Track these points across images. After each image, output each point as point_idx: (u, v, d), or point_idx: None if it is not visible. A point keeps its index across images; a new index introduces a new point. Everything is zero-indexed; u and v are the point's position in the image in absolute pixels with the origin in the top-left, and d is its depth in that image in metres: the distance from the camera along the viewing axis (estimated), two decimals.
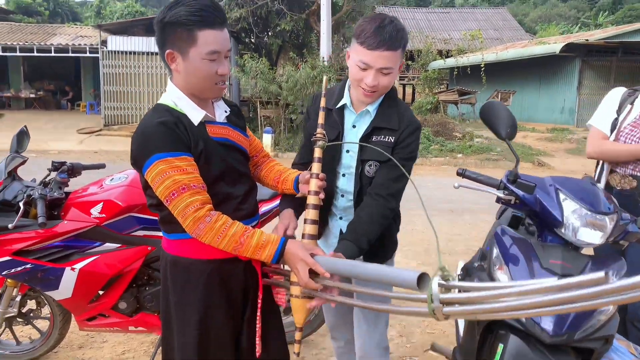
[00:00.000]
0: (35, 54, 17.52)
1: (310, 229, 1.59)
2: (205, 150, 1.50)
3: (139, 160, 1.47)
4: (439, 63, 20.18)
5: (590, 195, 1.63)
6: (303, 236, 1.60)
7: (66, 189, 2.54)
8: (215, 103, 1.64)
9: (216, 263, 1.58)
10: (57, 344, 2.82)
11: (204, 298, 1.58)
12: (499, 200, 1.76)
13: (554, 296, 0.93)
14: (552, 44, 16.73)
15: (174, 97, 1.54)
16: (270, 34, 19.65)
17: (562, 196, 1.62)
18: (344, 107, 1.81)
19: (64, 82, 21.93)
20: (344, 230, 1.83)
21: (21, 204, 2.31)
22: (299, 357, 1.70)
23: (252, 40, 19.61)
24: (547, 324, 1.47)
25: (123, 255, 2.40)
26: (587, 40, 16.15)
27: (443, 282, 1.16)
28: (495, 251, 1.68)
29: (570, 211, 1.60)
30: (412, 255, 4.88)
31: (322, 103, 1.70)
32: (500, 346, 1.56)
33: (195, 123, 1.52)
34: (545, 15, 45.34)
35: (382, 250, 1.91)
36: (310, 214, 1.60)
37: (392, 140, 1.73)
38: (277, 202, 2.68)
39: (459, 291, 1.17)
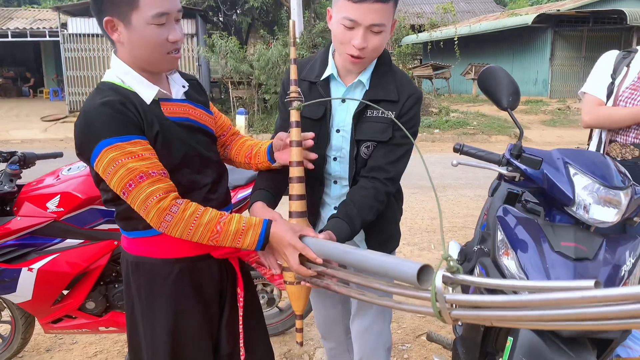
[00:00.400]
0: None
1: (297, 205, 1.37)
2: (162, 132, 1.28)
3: (84, 150, 1.24)
4: (412, 38, 19.96)
5: (603, 168, 1.47)
6: (290, 214, 1.38)
7: (18, 182, 2.29)
8: (170, 77, 1.41)
9: (185, 262, 1.37)
10: (22, 349, 2.59)
11: (174, 303, 1.37)
12: (501, 177, 1.59)
13: (592, 310, 0.75)
14: (524, 16, 16.66)
15: (120, 73, 1.31)
16: (238, 11, 19.07)
17: (572, 171, 1.47)
18: (329, 78, 1.56)
19: (24, 68, 21.03)
20: None
21: None
22: (302, 347, 1.50)
23: (221, 19, 19.00)
24: None
25: (87, 252, 2.19)
26: (558, 10, 16.12)
27: (449, 275, 0.98)
28: (500, 234, 1.52)
29: (582, 187, 1.44)
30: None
31: (292, 54, 1.42)
32: (510, 340, 1.41)
33: (148, 102, 1.29)
34: None
35: (389, 237, 1.71)
36: (295, 188, 1.37)
37: (392, 116, 1.48)
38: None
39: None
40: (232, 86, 13.46)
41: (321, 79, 1.54)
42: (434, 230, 4.89)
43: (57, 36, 15.02)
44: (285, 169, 1.46)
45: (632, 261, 1.41)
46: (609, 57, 2.16)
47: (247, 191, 2.47)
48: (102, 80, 1.34)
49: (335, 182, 1.61)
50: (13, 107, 16.38)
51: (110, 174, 1.21)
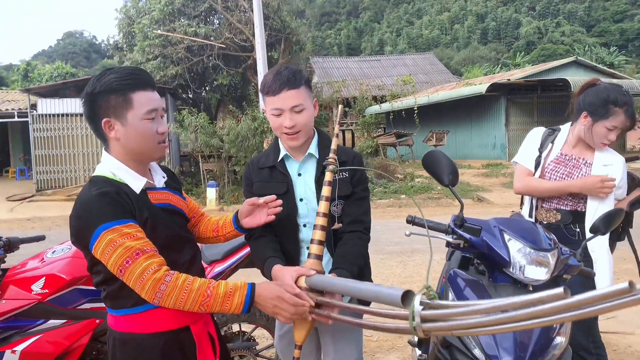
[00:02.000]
0: None
1: (317, 249, 1.64)
2: (150, 217, 1.47)
3: (83, 235, 1.40)
4: (375, 108, 20.95)
5: (532, 233, 1.73)
6: (309, 255, 1.64)
7: (3, 266, 2.39)
8: (152, 170, 1.63)
9: (169, 335, 1.51)
10: None
11: None
12: (448, 244, 1.82)
13: (520, 312, 0.97)
14: (478, 85, 17.83)
15: (112, 168, 1.51)
16: (207, 88, 19.76)
17: (506, 236, 1.71)
18: (284, 159, 1.87)
19: None
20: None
21: None
22: None
23: (190, 95, 19.61)
24: None
25: (69, 331, 2.27)
26: (509, 80, 17.34)
27: (425, 300, 1.19)
28: (451, 295, 1.73)
29: (516, 250, 1.69)
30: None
31: (336, 130, 1.84)
32: None
33: (137, 191, 1.49)
34: (468, 58, 48.56)
35: (364, 275, 1.93)
36: (318, 234, 1.64)
37: (347, 175, 1.79)
38: (230, 261, 2.65)
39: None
40: (202, 159, 13.72)
41: (278, 160, 1.85)
42: None
43: (26, 116, 15.17)
44: (272, 236, 1.79)
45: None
46: (537, 133, 2.51)
47: (224, 265, 2.62)
48: (94, 174, 1.54)
49: (307, 247, 1.79)
50: None
51: (109, 254, 1.36)
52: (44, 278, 2.26)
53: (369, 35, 57.05)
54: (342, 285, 1.44)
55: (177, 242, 1.57)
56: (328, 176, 1.70)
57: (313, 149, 1.84)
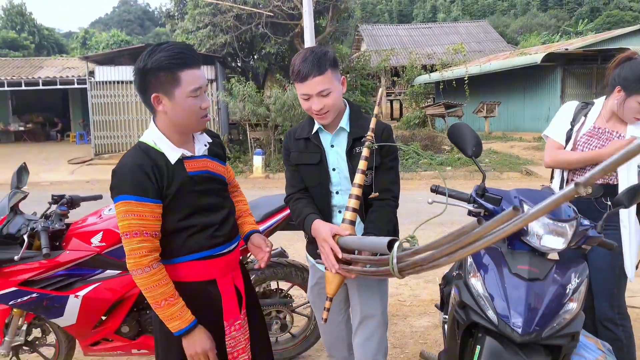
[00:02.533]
0: (23, 87, 17.65)
1: (351, 215, 1.82)
2: (180, 188, 1.64)
3: (112, 193, 1.63)
4: (424, 78, 20.55)
5: None
6: (343, 221, 1.83)
7: (66, 221, 2.67)
8: (195, 138, 1.76)
9: (198, 285, 1.71)
10: None
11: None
12: (470, 213, 1.91)
13: (468, 236, 1.06)
14: (533, 55, 17.12)
15: (155, 137, 1.67)
16: (255, 57, 19.94)
17: (525, 207, 1.78)
18: (318, 132, 2.00)
19: (52, 114, 22.06)
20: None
21: (25, 237, 2.44)
22: (325, 323, 1.91)
23: (239, 64, 19.87)
24: (517, 325, 1.61)
25: (124, 281, 2.52)
26: (566, 49, 16.56)
27: (408, 246, 1.35)
28: (469, 260, 1.83)
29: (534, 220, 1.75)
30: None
31: (376, 110, 1.91)
32: (478, 347, 1.70)
33: (172, 162, 1.65)
34: (526, 26, 46.25)
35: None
36: (352, 202, 1.82)
37: (377, 147, 1.90)
38: (268, 223, 2.83)
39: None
40: (249, 128, 14.03)
41: (312, 133, 2.00)
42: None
43: (85, 83, 15.92)
44: (310, 198, 2.03)
45: (577, 281, 1.70)
46: (570, 107, 2.50)
47: (262, 227, 2.80)
48: (140, 139, 1.71)
49: (339, 211, 2.00)
50: (41, 150, 17.18)
51: (119, 220, 1.60)
52: (102, 233, 2.51)
53: (422, 2, 55.30)
54: (359, 242, 1.65)
55: (207, 208, 1.72)
56: (365, 152, 1.84)
57: (344, 122, 1.96)
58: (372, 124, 1.88)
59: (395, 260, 1.30)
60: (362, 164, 1.82)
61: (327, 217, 2.01)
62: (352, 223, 1.82)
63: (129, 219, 1.57)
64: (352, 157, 1.93)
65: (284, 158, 2.14)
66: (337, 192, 2.00)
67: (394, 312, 3.92)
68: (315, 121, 1.99)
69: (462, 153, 1.95)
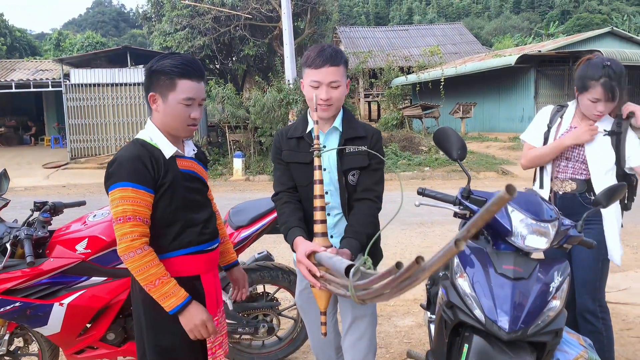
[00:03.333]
0: None
1: (321, 227, 1.83)
2: (174, 180, 1.75)
3: (108, 180, 1.71)
4: (401, 80, 20.76)
5: (534, 205, 1.84)
6: (315, 234, 1.83)
7: (49, 228, 2.63)
8: (185, 142, 1.89)
9: (184, 280, 1.76)
10: None
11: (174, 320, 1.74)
12: (456, 215, 1.96)
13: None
14: (508, 56, 17.47)
15: (151, 134, 1.79)
16: (234, 59, 19.87)
17: (510, 208, 1.83)
18: (312, 131, 2.00)
19: (26, 117, 21.59)
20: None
21: (8, 245, 2.40)
22: (325, 337, 1.94)
23: (217, 66, 19.77)
24: (504, 323, 1.66)
25: (109, 288, 2.50)
26: (539, 51, 16.95)
27: (364, 270, 1.37)
28: (456, 261, 1.87)
29: (518, 221, 1.81)
30: (385, 269, 5.05)
31: (314, 117, 1.91)
32: (466, 346, 1.75)
33: (167, 156, 1.76)
34: (500, 28, 47.08)
35: (378, 253, 2.12)
36: (318, 215, 1.83)
37: (365, 148, 1.96)
38: (255, 227, 2.84)
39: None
40: (229, 130, 13.96)
41: (306, 132, 2.02)
42: None
43: (60, 86, 15.63)
44: (297, 203, 2.02)
45: (560, 279, 1.76)
46: (546, 111, 2.63)
47: (250, 230, 2.81)
48: (137, 136, 1.81)
49: (328, 214, 2.00)
50: (15, 155, 16.80)
51: (114, 205, 1.68)
52: (87, 239, 2.48)
53: (398, 4, 55.84)
54: (328, 262, 1.64)
55: (194, 204, 1.83)
56: (317, 161, 1.85)
57: (338, 122, 2.00)
58: (316, 131, 1.90)
59: (353, 290, 1.31)
60: (317, 174, 1.84)
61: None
62: (325, 234, 1.84)
63: (124, 204, 1.65)
64: (343, 157, 1.97)
65: (273, 156, 2.16)
66: (326, 192, 2.00)
67: (378, 313, 3.94)
68: (310, 121, 2.01)
69: (448, 156, 2.00)
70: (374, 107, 28.07)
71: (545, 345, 1.71)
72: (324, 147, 1.97)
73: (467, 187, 1.93)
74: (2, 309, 2.39)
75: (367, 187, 1.97)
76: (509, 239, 1.82)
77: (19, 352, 2.82)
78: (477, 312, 1.72)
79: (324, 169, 1.98)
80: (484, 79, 18.88)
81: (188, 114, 1.73)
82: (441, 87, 16.90)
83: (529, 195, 1.92)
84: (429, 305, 2.38)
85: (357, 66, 20.74)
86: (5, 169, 2.87)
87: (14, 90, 17.32)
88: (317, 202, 1.83)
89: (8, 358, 2.80)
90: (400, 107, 20.34)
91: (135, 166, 1.68)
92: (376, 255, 2.11)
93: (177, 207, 1.76)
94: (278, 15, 15.52)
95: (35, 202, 2.68)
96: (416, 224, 7.01)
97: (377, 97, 26.04)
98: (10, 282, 2.39)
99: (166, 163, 1.75)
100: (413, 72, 20.89)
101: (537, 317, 1.68)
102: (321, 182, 1.84)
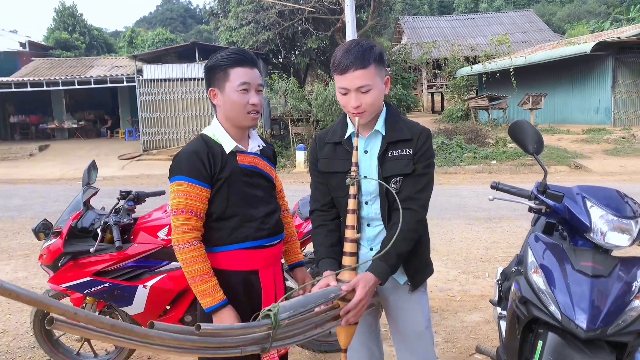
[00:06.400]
0: (76, 86, 18.41)
1: (349, 260, 1.74)
2: (231, 174, 1.79)
3: (170, 174, 1.80)
4: (467, 70, 20.18)
5: (615, 201, 1.78)
6: (343, 265, 1.74)
7: (133, 215, 2.82)
8: (251, 137, 1.92)
9: (241, 274, 1.82)
10: (130, 356, 3.08)
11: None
12: (531, 209, 1.92)
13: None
14: (583, 44, 16.51)
15: (214, 130, 1.86)
16: (297, 53, 20.07)
17: (589, 204, 1.78)
18: (351, 136, 1.82)
19: (103, 111, 22.92)
20: None
21: (99, 231, 2.60)
22: None
23: (280, 60, 20.05)
24: (582, 321, 1.62)
25: None
26: (618, 37, 15.87)
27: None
28: (531, 256, 1.84)
29: (598, 217, 1.75)
30: (452, 265, 4.99)
31: (355, 142, 1.76)
32: (540, 343, 1.72)
33: (227, 151, 1.81)
34: (574, 14, 44.44)
35: (425, 265, 1.91)
36: (348, 247, 1.75)
37: (410, 152, 1.76)
38: None
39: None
40: (291, 123, 14.19)
41: (345, 137, 1.83)
42: (489, 259, 5.10)
43: (133, 82, 16.46)
44: (331, 224, 1.89)
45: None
46: None
47: None
48: (202, 132, 1.89)
49: (368, 224, 1.85)
50: (93, 147, 17.91)
51: (172, 197, 1.76)
52: (168, 227, 2.64)
53: None
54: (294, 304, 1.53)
55: (253, 199, 1.84)
56: (351, 189, 1.73)
57: (380, 125, 1.80)
58: (355, 158, 1.74)
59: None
60: (351, 203, 1.73)
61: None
62: (353, 254, 1.74)
63: (179, 197, 1.73)
64: (384, 161, 1.77)
65: (310, 167, 1.98)
66: (366, 203, 1.83)
67: (444, 307, 3.93)
68: (349, 124, 1.83)
69: (523, 150, 1.95)
70: (437, 98, 27.50)
71: (626, 346, 1.65)
72: (364, 177, 1.77)
73: (544, 181, 1.88)
74: (93, 289, 2.60)
75: (409, 196, 1.75)
76: (588, 235, 1.77)
77: None
78: (553, 309, 1.68)
79: (364, 177, 1.79)
80: (556, 69, 17.96)
81: (246, 100, 1.77)
82: (511, 76, 16.25)
83: (609, 190, 1.85)
84: (500, 301, 2.35)
85: (420, 57, 20.37)
86: (94, 160, 3.11)
87: (92, 86, 18.43)
88: (348, 233, 1.73)
89: None
90: (466, 98, 19.81)
91: (192, 161, 1.75)
92: (421, 271, 1.89)
93: (234, 201, 1.79)
94: (341, 8, 15.52)
95: (120, 191, 2.89)
96: (483, 218, 6.84)
97: (441, 88, 25.48)
98: (101, 264, 2.60)
99: (224, 158, 1.79)
100: (479, 62, 20.23)
101: (617, 316, 1.62)
102: (354, 212, 1.73)
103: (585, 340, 1.63)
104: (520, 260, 2.06)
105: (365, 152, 1.82)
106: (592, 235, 1.76)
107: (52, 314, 0.99)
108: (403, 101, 17.04)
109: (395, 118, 1.83)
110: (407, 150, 1.77)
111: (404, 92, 16.72)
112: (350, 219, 1.75)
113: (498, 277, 2.42)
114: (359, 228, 1.82)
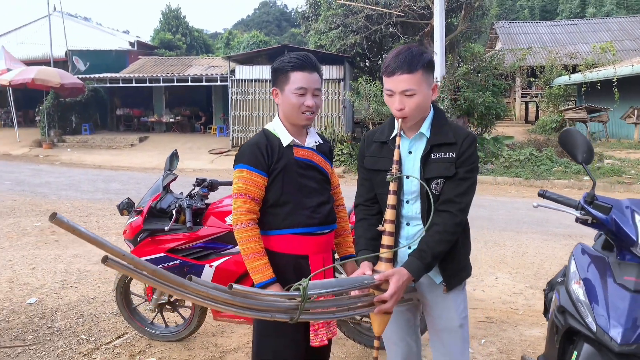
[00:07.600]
0: (175, 83, 19.72)
1: (385, 253, 1.81)
2: (286, 165, 1.97)
3: (234, 161, 2.02)
4: (564, 79, 19.06)
5: None
6: (380, 259, 1.82)
7: (206, 201, 3.10)
8: (309, 134, 2.10)
9: (291, 258, 1.98)
10: (196, 330, 3.38)
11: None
12: (577, 220, 1.90)
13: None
14: None
15: (275, 125, 2.07)
16: (384, 57, 20.06)
17: (637, 217, 1.73)
18: (396, 136, 1.88)
19: (198, 108, 24.35)
20: None
21: (174, 212, 2.90)
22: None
23: (366, 64, 20.16)
24: (616, 334, 1.59)
25: None
26: None
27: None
28: (573, 267, 1.83)
29: None
30: (520, 278, 4.85)
31: (398, 141, 1.84)
32: (575, 353, 1.71)
33: (284, 144, 2.00)
34: None
35: (462, 268, 1.94)
36: (386, 240, 1.82)
37: (454, 155, 1.80)
38: None
39: None
40: (372, 127, 14.26)
41: (390, 137, 1.92)
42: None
43: (226, 81, 17.37)
44: (372, 218, 1.97)
45: None
46: None
47: None
48: (264, 127, 2.11)
49: (407, 223, 1.91)
50: (187, 141, 19.10)
51: (234, 182, 1.98)
52: None
53: None
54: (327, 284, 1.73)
55: (307, 189, 2.01)
56: (392, 186, 1.81)
57: (425, 128, 1.86)
58: (396, 156, 1.82)
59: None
60: (390, 199, 1.81)
61: (395, 228, 1.87)
62: (389, 260, 1.80)
63: (239, 182, 1.94)
64: (427, 163, 1.83)
65: (358, 164, 2.08)
66: (407, 202, 1.89)
67: (504, 319, 3.86)
68: (397, 124, 1.87)
69: (573, 159, 1.94)
70: (532, 108, 26.20)
71: None
72: (404, 175, 1.85)
73: (592, 191, 1.85)
74: (166, 264, 2.90)
75: (449, 198, 1.79)
76: (634, 249, 1.73)
77: (177, 303, 3.37)
78: (589, 320, 1.67)
79: (407, 177, 1.86)
80: None
81: (302, 102, 1.95)
82: (614, 87, 15.14)
83: None
84: (546, 311, 2.32)
85: (513, 64, 19.54)
86: (176, 149, 3.44)
87: (190, 83, 19.68)
88: (387, 226, 1.81)
89: (169, 307, 3.37)
90: (562, 108, 18.73)
91: (252, 152, 1.95)
92: (456, 274, 1.91)
93: (288, 190, 1.96)
94: (430, 12, 15.33)
95: (197, 179, 3.19)
96: (562, 235, 6.53)
97: (536, 97, 24.24)
98: (174, 242, 2.89)
99: (281, 150, 1.98)
100: (579, 71, 19.02)
101: None
102: (393, 207, 1.81)
103: (619, 354, 1.60)
104: (565, 271, 2.03)
105: (410, 152, 1.89)
106: (638, 249, 1.72)
107: (106, 254, 1.22)
108: (492, 109, 16.50)
109: (442, 122, 1.88)
110: (451, 153, 1.81)
111: (492, 99, 16.15)
112: (389, 214, 1.83)
113: (545, 287, 2.39)
114: (398, 227, 1.90)
